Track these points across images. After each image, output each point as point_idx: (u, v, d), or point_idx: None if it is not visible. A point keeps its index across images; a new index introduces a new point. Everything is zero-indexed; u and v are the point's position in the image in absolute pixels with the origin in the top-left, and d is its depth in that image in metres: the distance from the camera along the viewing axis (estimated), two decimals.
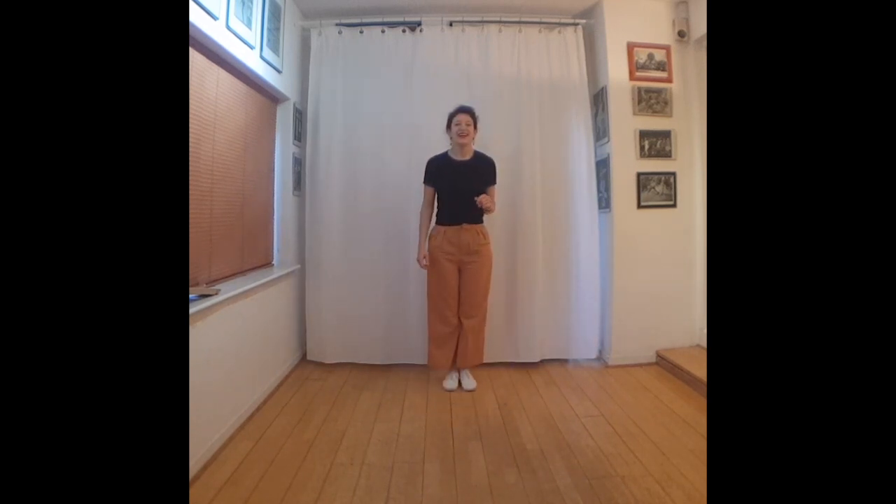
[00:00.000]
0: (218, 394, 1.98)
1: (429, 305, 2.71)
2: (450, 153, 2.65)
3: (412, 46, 3.08)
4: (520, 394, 2.58)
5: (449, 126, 2.62)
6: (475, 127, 2.61)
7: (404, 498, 1.65)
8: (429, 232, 2.69)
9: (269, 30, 2.57)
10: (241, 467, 1.83)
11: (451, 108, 2.64)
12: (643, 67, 3.00)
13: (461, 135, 2.55)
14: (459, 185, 2.58)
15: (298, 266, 3.08)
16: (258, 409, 2.38)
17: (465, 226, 2.59)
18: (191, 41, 1.90)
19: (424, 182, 2.67)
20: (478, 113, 2.65)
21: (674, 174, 3.00)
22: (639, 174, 2.97)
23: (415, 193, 2.87)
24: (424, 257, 2.64)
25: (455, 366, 2.72)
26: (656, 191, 2.99)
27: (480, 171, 2.62)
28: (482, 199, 2.49)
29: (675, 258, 3.02)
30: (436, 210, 2.68)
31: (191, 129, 1.93)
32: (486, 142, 2.92)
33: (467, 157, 2.63)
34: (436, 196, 2.67)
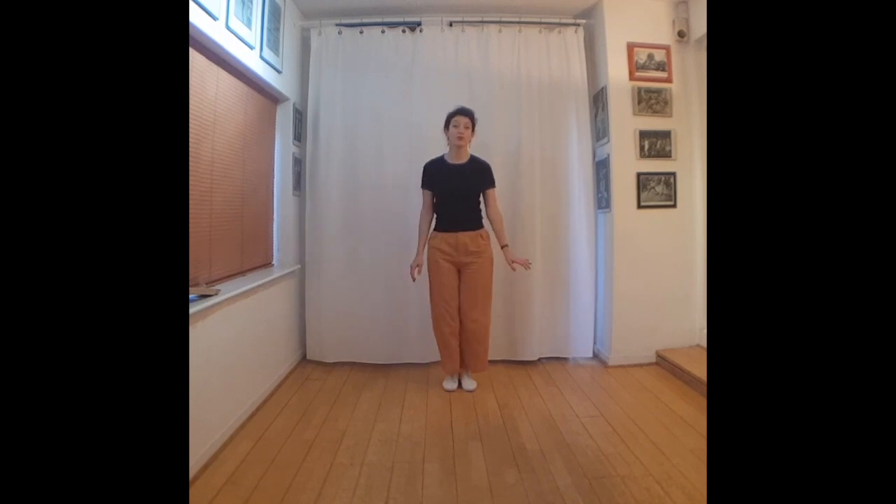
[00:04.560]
0: (218, 394, 1.98)
1: (432, 309, 2.66)
2: (446, 157, 2.65)
3: (412, 46, 3.08)
4: (520, 394, 2.58)
5: (447, 126, 2.62)
6: (473, 130, 2.61)
7: (404, 498, 1.65)
8: (428, 236, 2.67)
9: (268, 30, 2.57)
10: (241, 467, 1.84)
11: (450, 109, 2.64)
12: (643, 67, 3.00)
13: (458, 137, 2.55)
14: (456, 188, 2.57)
15: (298, 266, 3.08)
16: (258, 409, 2.38)
17: (461, 234, 2.56)
18: (191, 41, 1.90)
19: (422, 186, 2.65)
20: (477, 113, 2.64)
21: (674, 174, 3.00)
22: (639, 174, 2.97)
23: (415, 193, 2.86)
24: (418, 266, 2.60)
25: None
26: (656, 191, 2.99)
27: (477, 174, 2.61)
28: (516, 261, 2.59)
29: (675, 258, 3.02)
30: (434, 216, 2.67)
31: (191, 130, 1.93)
32: (486, 142, 2.92)
33: (463, 160, 2.62)
34: (434, 200, 2.65)
